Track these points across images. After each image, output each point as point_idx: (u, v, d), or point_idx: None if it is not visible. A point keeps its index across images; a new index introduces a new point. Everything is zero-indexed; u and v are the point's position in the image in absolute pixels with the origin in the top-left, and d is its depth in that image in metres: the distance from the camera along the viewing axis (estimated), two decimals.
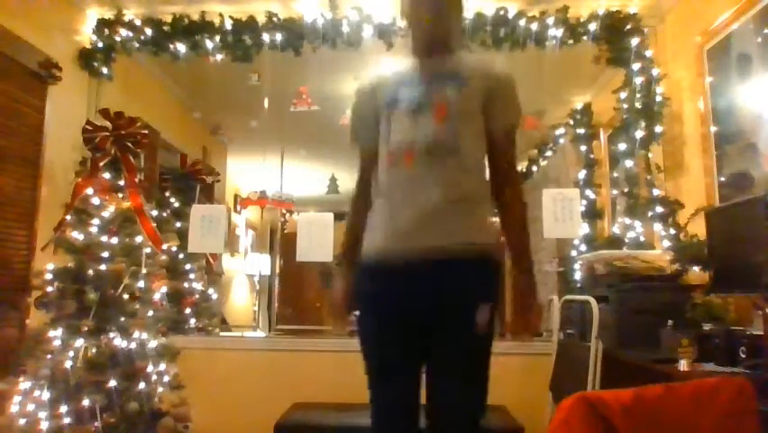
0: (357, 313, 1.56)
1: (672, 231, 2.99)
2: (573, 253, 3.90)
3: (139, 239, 2.88)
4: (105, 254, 2.70)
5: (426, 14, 1.53)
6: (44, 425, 2.39)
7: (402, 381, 1.49)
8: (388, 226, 1.47)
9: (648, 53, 3.26)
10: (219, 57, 3.40)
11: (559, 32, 3.24)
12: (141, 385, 2.62)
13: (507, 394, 3.11)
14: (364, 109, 1.62)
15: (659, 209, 3.08)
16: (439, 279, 1.40)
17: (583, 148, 4.27)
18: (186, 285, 3.98)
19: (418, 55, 1.59)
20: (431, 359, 1.46)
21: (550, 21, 3.23)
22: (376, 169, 1.57)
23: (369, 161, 1.62)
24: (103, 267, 2.66)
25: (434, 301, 1.41)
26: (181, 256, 3.90)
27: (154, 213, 3.23)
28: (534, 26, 3.23)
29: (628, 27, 3.26)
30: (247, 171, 6.67)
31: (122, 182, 2.92)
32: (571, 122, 4.48)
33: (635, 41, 3.24)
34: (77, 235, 2.69)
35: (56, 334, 2.54)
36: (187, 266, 4.01)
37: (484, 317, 1.39)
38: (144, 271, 2.85)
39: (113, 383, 2.49)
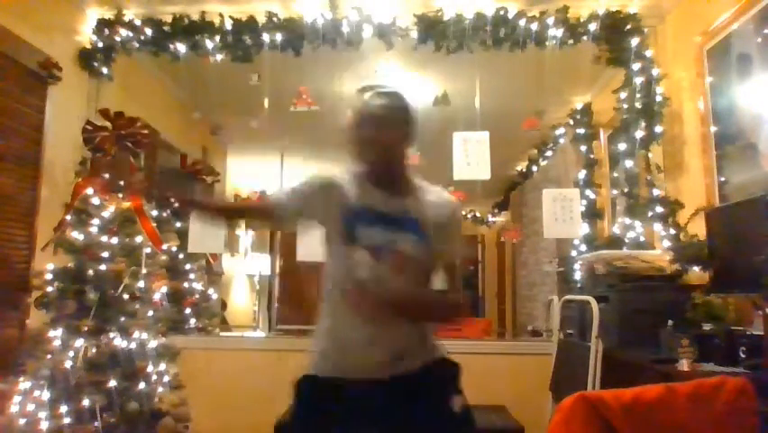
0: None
1: (672, 231, 2.99)
2: (573, 253, 3.91)
3: (139, 239, 2.88)
4: (105, 254, 2.70)
5: (372, 153, 1.47)
6: (44, 425, 2.39)
7: None
8: (346, 347, 1.52)
9: (648, 53, 3.26)
10: (219, 57, 3.40)
11: (559, 32, 3.24)
12: (141, 385, 2.61)
13: (507, 394, 3.13)
14: (313, 201, 1.56)
15: (659, 209, 3.08)
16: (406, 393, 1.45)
17: (583, 148, 4.27)
18: (186, 285, 3.98)
19: (371, 182, 1.52)
20: None
21: (550, 21, 3.23)
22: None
23: (286, 220, 1.64)
24: (103, 267, 2.66)
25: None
26: (181, 256, 3.90)
27: (154, 213, 3.23)
28: (534, 26, 3.23)
29: (628, 27, 3.26)
30: (247, 171, 6.66)
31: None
32: (571, 122, 4.49)
33: (635, 41, 3.24)
34: (77, 235, 2.69)
35: (56, 334, 2.54)
36: (187, 266, 4.01)
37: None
38: (144, 271, 2.85)
39: (113, 383, 2.49)
